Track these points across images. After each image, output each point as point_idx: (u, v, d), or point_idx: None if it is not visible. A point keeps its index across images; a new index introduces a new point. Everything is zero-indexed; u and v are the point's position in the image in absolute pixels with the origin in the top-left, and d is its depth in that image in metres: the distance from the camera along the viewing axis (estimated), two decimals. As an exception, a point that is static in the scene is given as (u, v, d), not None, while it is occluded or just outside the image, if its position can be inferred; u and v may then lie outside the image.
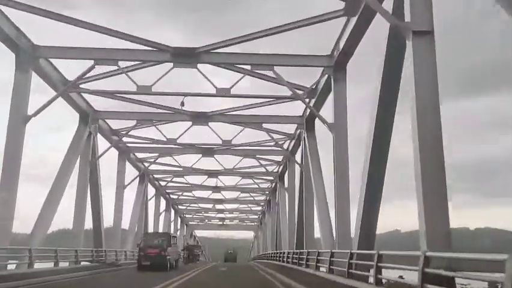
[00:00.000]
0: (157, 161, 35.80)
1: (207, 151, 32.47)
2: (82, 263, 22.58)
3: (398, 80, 12.29)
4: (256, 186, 44.69)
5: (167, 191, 49.23)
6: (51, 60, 18.60)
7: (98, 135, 26.38)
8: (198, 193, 51.90)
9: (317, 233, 24.68)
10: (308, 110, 23.91)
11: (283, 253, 29.77)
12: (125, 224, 34.81)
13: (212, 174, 39.81)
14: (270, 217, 48.93)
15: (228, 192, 49.48)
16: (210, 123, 25.86)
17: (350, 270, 12.04)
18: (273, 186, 44.07)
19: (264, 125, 26.34)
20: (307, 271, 17.93)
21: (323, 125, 18.66)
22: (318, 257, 17.06)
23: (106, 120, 26.58)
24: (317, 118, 24.21)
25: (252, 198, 52.57)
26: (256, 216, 68.18)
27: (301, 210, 26.14)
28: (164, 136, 27.04)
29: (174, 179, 43.12)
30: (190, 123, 25.84)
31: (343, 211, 16.92)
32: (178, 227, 66.33)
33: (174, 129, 27.91)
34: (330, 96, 18.40)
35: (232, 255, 65.43)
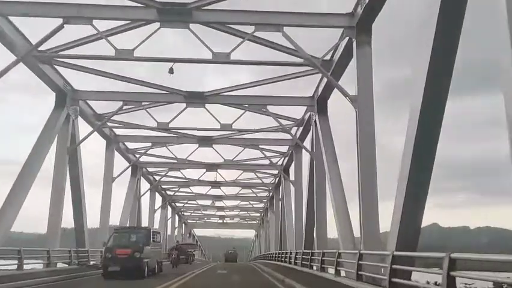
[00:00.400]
0: (150, 152, 32.65)
1: (205, 140, 29.26)
2: (59, 265, 19.51)
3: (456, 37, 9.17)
4: (258, 181, 41.38)
5: (162, 186, 45.90)
6: (12, 19, 15.31)
7: (81, 121, 23.29)
8: (196, 189, 48.50)
9: (330, 232, 21.62)
10: (320, 90, 20.72)
11: (290, 253, 26.66)
12: (116, 222, 31.65)
13: (211, 167, 36.53)
14: (273, 214, 45.66)
15: (228, 188, 46.13)
16: (207, 106, 22.60)
17: (394, 279, 8.81)
18: (276, 181, 40.82)
19: (269, 108, 23.08)
20: (325, 276, 14.71)
21: (335, 108, 15.47)
22: (339, 259, 13.86)
23: (88, 102, 23.37)
24: (329, 100, 21.25)
25: (254, 195, 49.04)
26: (258, 214, 64.83)
27: (311, 206, 23.02)
28: (155, 120, 23.75)
29: (170, 173, 39.78)
30: (184, 105, 22.61)
31: (370, 204, 13.66)
32: (176, 225, 63.04)
33: (167, 115, 24.68)
34: (352, 64, 15.17)
35: (232, 255, 63.39)
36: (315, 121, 21.84)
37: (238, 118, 23.24)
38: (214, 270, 27.31)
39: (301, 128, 25.63)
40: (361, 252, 11.39)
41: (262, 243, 62.39)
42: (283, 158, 33.80)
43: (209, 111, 22.71)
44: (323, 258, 16.11)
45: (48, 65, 18.56)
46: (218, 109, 23.59)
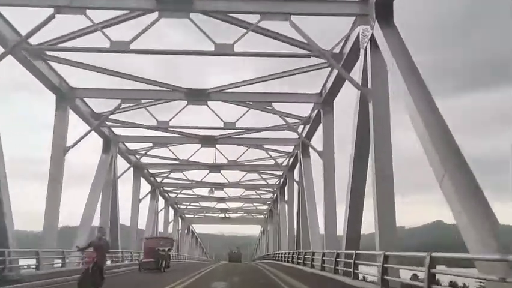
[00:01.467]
0: (125, 118, 24.27)
1: (196, 95, 20.78)
2: None
3: None
4: (268, 162, 32.72)
5: (150, 171, 37.23)
6: None
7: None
8: (191, 174, 39.54)
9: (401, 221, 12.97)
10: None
11: (322, 255, 18.06)
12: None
13: (207, 140, 27.87)
14: (285, 204, 36.92)
15: (230, 172, 37.20)
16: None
17: None
18: (290, 162, 32.08)
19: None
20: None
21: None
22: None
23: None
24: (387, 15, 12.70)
25: (262, 181, 39.87)
26: (266, 207, 56.00)
27: (359, 183, 14.65)
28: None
29: (157, 153, 31.27)
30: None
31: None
32: (171, 220, 54.26)
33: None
34: None
35: (236, 255, 57.72)
36: (370, 39, 13.24)
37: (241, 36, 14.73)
38: (209, 282, 18.25)
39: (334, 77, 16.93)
40: None
41: (270, 240, 53.73)
42: (303, 127, 25.19)
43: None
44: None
45: None
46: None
